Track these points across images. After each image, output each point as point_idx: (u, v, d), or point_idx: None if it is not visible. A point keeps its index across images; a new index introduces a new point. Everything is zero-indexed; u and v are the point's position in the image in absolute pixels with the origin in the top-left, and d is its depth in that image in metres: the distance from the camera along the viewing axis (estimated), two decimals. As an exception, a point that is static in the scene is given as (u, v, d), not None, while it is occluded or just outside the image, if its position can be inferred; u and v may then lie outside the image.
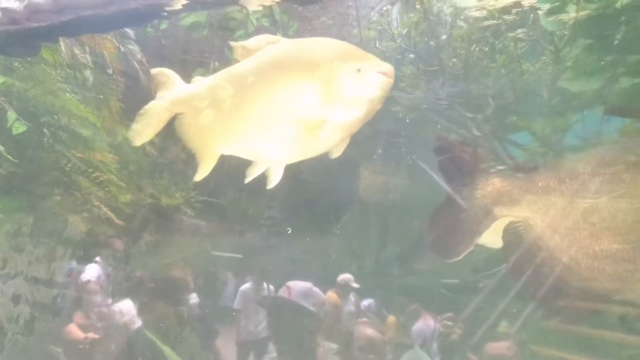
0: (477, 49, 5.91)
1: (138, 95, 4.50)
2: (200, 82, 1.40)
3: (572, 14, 1.66)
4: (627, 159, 1.00)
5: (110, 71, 3.65)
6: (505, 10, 5.65)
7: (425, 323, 3.53)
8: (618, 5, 1.34)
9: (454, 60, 5.78)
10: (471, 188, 1.41)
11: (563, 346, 3.13)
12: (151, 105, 1.29)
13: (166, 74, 1.41)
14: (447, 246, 1.40)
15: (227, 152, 1.36)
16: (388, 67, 1.18)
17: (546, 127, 5.19)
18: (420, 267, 4.77)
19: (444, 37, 5.68)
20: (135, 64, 4.00)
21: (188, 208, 6.30)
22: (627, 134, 1.23)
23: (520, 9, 4.81)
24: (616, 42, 1.39)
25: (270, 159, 1.27)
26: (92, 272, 4.04)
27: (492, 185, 1.34)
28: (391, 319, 3.63)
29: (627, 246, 1.00)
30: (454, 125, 6.70)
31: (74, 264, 4.09)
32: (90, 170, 4.03)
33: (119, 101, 4.24)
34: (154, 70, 1.46)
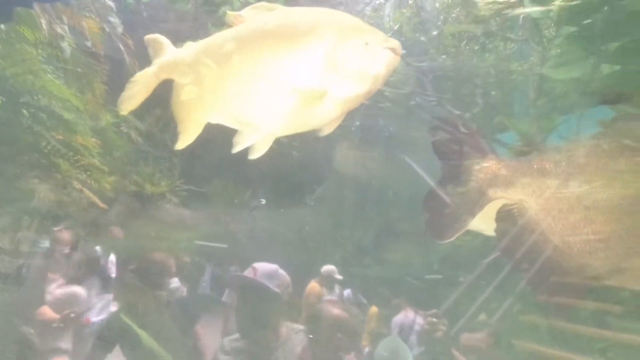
0: (467, 47, 5.95)
1: (123, 78, 4.42)
2: (190, 46, 1.34)
3: (557, 1, 1.68)
4: (622, 144, 1.01)
5: (90, 45, 3.56)
6: (497, 9, 5.70)
7: (405, 315, 3.58)
8: (600, -7, 1.37)
9: (444, 57, 5.80)
10: (466, 169, 1.42)
11: (538, 339, 3.20)
12: (141, 72, 1.25)
13: (159, 40, 1.35)
14: (440, 227, 1.41)
15: (214, 121, 1.31)
16: (396, 44, 1.15)
17: (532, 127, 5.26)
18: (389, 257, 4.82)
19: (434, 33, 5.69)
20: (120, 46, 3.91)
21: (173, 196, 6.24)
22: (607, 125, 1.25)
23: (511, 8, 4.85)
24: (597, 30, 1.41)
25: (262, 129, 1.22)
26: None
27: (487, 166, 1.34)
28: (373, 309, 3.67)
29: (619, 230, 1.02)
30: (442, 123, 6.76)
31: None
32: (70, 153, 3.94)
33: (104, 84, 4.14)
34: (147, 37, 1.40)
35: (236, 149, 1.22)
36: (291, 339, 1.43)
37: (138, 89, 1.27)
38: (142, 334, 1.58)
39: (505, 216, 1.17)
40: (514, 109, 5.48)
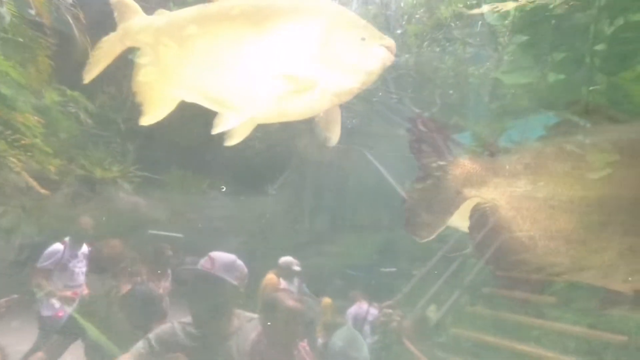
0: (428, 48, 6.13)
1: (72, 55, 4.10)
2: (164, 15, 1.19)
3: (511, 7, 1.77)
4: (586, 146, 1.08)
5: (34, 14, 3.25)
6: (457, 14, 5.92)
7: (359, 306, 3.66)
8: (551, 5, 1.45)
9: (407, 56, 5.94)
10: (442, 169, 1.46)
11: (483, 329, 3.42)
12: (106, 37, 1.11)
13: (125, 3, 1.20)
14: (419, 226, 1.44)
15: (189, 99, 1.19)
16: (391, 42, 1.11)
17: (484, 129, 5.53)
18: (330, 249, 4.91)
19: (398, 31, 5.81)
20: (69, 19, 3.62)
21: (125, 182, 5.92)
22: (552, 129, 1.33)
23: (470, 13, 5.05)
24: (546, 40, 1.51)
25: (243, 113, 1.11)
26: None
27: (462, 166, 1.39)
28: (326, 300, 3.71)
29: (580, 229, 1.09)
30: (403, 120, 6.95)
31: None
32: (8, 132, 3.60)
33: (49, 58, 3.81)
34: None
35: (215, 130, 1.12)
36: (244, 327, 1.42)
37: (101, 54, 1.14)
38: (88, 326, 1.50)
39: (477, 214, 1.22)
40: (470, 110, 5.74)
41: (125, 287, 2.31)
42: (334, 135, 1.22)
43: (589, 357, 2.66)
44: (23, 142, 3.77)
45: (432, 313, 3.67)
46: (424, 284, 3.74)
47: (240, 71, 1.12)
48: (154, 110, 1.13)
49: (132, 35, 1.15)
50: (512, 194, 1.16)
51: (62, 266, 3.50)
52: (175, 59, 1.13)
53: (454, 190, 1.33)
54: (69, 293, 3.28)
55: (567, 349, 2.85)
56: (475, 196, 1.23)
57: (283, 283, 3.92)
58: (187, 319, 1.39)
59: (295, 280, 3.94)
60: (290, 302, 1.44)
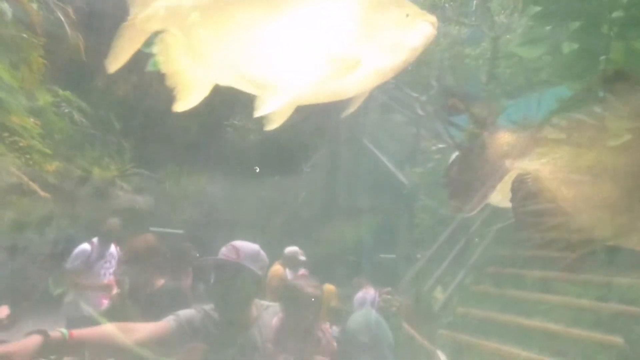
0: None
1: (63, 52, 4.04)
2: None
3: None
4: (631, 113, 1.06)
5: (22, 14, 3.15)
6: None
7: (367, 292, 3.68)
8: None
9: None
10: (483, 142, 1.45)
11: (490, 307, 3.46)
12: (127, 23, 1.03)
13: None
14: (463, 200, 1.43)
15: (224, 82, 1.11)
16: (433, 19, 1.06)
17: (483, 110, 5.52)
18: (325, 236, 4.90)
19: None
20: (60, 15, 3.55)
21: (124, 182, 5.89)
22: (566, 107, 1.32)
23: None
24: (561, 9, 1.49)
25: (283, 95, 1.05)
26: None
27: (503, 138, 1.37)
28: (330, 287, 3.69)
29: (626, 197, 1.08)
30: (400, 105, 6.93)
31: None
32: (6, 134, 3.56)
33: (42, 58, 3.74)
34: None
35: (256, 114, 1.04)
36: (262, 315, 1.42)
37: (124, 43, 1.05)
38: (104, 321, 1.50)
39: (519, 185, 1.20)
40: (467, 92, 5.73)
41: (158, 282, 2.28)
42: (351, 109, 1.18)
43: (597, 328, 2.71)
44: (21, 144, 3.73)
45: (439, 294, 3.71)
46: (429, 267, 3.77)
47: (280, 51, 1.05)
48: (188, 96, 1.05)
49: (158, 19, 1.05)
50: (556, 163, 1.15)
51: (88, 266, 3.47)
52: (209, 39, 1.05)
53: (496, 162, 1.32)
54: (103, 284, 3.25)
55: (575, 321, 2.89)
56: (517, 168, 1.21)
57: (289, 273, 3.92)
58: (209, 306, 1.39)
59: (301, 270, 3.93)
60: (310, 289, 1.45)
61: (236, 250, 1.39)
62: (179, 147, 6.50)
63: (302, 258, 3.98)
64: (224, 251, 1.40)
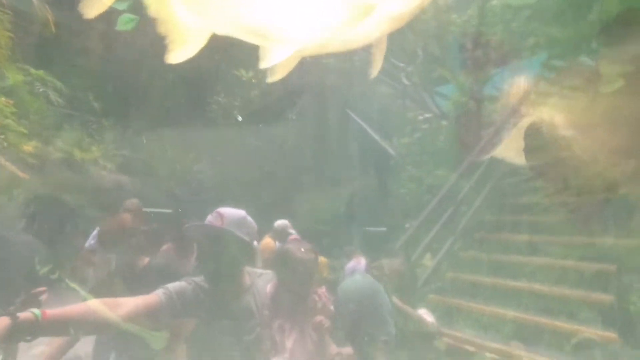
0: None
1: (32, 28, 3.82)
2: None
3: None
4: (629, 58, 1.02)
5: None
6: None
7: (358, 262, 3.72)
8: None
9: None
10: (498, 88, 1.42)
11: (477, 271, 3.55)
12: None
13: None
14: (476, 145, 1.42)
15: (222, 31, 1.01)
16: None
17: (468, 79, 5.49)
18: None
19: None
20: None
21: (107, 162, 5.74)
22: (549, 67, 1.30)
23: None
24: None
25: (289, 46, 0.95)
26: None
27: (518, 84, 1.34)
28: (321, 259, 3.73)
29: None
30: (385, 76, 6.85)
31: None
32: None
33: (9, 32, 3.52)
34: None
35: (262, 65, 0.95)
36: (256, 283, 1.41)
37: None
38: (89, 297, 1.47)
39: (534, 133, 1.18)
40: (453, 60, 5.67)
41: (142, 261, 2.23)
42: (376, 67, 1.11)
43: (580, 286, 2.81)
44: (-6, 123, 3.55)
45: (428, 261, 3.78)
46: (417, 235, 3.82)
47: None
48: (182, 46, 0.95)
49: None
50: (571, 110, 1.12)
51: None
52: None
53: (510, 109, 1.30)
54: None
55: (559, 281, 2.99)
56: (532, 114, 1.19)
57: (279, 246, 3.93)
58: (200, 277, 1.37)
59: (293, 235, 3.94)
60: (302, 253, 1.44)
61: (220, 216, 1.36)
62: (162, 126, 6.35)
63: (292, 231, 3.99)
64: (209, 219, 1.38)
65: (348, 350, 1.78)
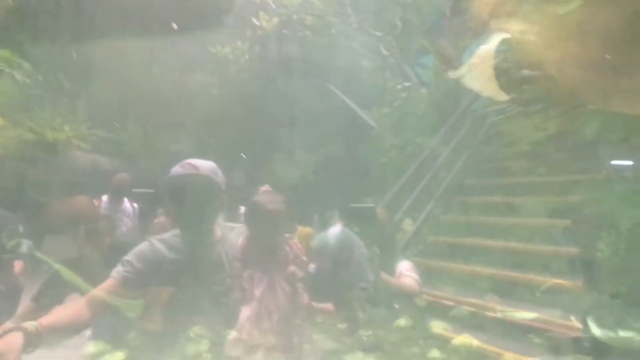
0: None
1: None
2: None
3: None
4: None
5: None
6: None
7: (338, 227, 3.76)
8: None
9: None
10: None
11: (456, 233, 3.63)
12: None
13: None
14: (446, 59, 1.39)
15: None
16: None
17: (448, 47, 5.46)
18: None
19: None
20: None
21: (82, 142, 5.58)
22: None
23: None
24: None
25: None
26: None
27: None
28: (305, 229, 3.73)
29: (611, 53, 1.03)
30: (364, 47, 6.76)
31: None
32: None
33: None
34: None
35: None
36: (227, 235, 1.40)
37: None
38: (61, 269, 1.44)
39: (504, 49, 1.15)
40: (432, 29, 5.62)
41: (105, 243, 2.19)
42: None
43: (551, 241, 2.91)
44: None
45: (408, 226, 3.84)
46: (398, 200, 3.87)
47: None
48: None
49: None
50: (543, 23, 1.09)
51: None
52: None
53: (481, 21, 1.26)
54: None
55: (532, 237, 3.09)
56: (502, 28, 1.15)
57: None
58: (164, 235, 1.35)
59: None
60: (273, 204, 1.42)
61: (193, 165, 1.34)
62: (136, 105, 6.18)
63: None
64: (179, 170, 1.35)
65: (328, 306, 1.80)
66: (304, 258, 1.47)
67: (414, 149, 4.49)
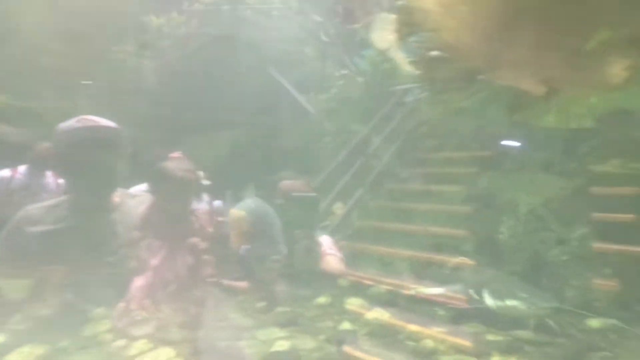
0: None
1: None
2: None
3: None
4: None
5: None
6: None
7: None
8: None
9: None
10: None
11: (383, 218, 3.83)
12: None
13: None
14: (349, 17, 1.38)
15: None
16: None
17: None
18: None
19: None
20: None
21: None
22: None
23: None
24: None
25: None
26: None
27: None
28: (239, 212, 3.68)
29: (497, 23, 1.07)
30: (305, 32, 6.73)
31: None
32: None
33: None
34: None
35: None
36: (127, 202, 1.31)
37: None
38: None
39: (404, 17, 1.18)
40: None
41: None
42: None
43: (465, 223, 3.20)
44: None
45: (338, 210, 3.96)
46: (329, 185, 3.97)
47: None
48: None
49: None
50: None
51: (7, 195, 2.92)
52: None
53: None
54: None
55: (447, 221, 3.37)
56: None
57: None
58: (49, 202, 1.24)
59: (205, 196, 3.84)
60: (179, 172, 1.37)
61: (91, 119, 1.25)
62: (60, 77, 5.61)
63: (206, 182, 3.91)
64: (73, 123, 1.25)
65: (242, 284, 1.81)
66: (210, 230, 1.45)
67: (348, 136, 4.61)
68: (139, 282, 1.22)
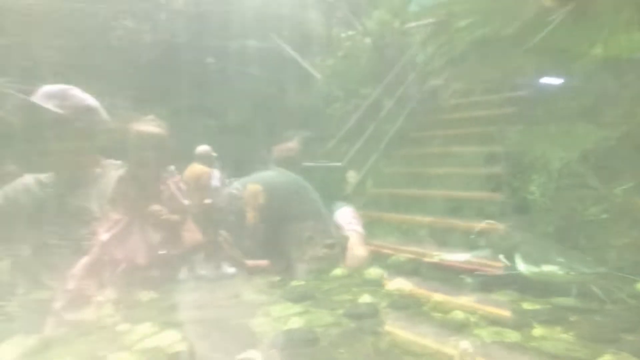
0: None
1: None
2: None
3: None
4: None
5: None
6: None
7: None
8: None
9: None
10: None
11: (399, 185, 3.63)
12: None
13: None
14: None
15: None
16: None
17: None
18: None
19: None
20: None
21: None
22: None
23: None
24: None
25: None
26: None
27: None
28: (254, 186, 3.53)
29: None
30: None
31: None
32: None
33: None
34: None
35: None
36: (108, 174, 1.17)
37: None
38: None
39: None
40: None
41: None
42: None
43: (487, 186, 2.98)
44: None
45: (352, 178, 3.77)
46: (340, 151, 3.77)
47: None
48: None
49: None
50: None
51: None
52: None
53: None
54: None
55: (468, 184, 3.15)
56: None
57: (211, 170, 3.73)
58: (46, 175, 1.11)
59: (216, 166, 3.76)
60: (150, 131, 1.20)
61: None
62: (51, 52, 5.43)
63: (214, 154, 3.82)
64: (50, 88, 1.08)
65: (263, 262, 1.63)
66: (185, 201, 1.26)
67: (358, 101, 4.36)
68: (83, 260, 1.07)
